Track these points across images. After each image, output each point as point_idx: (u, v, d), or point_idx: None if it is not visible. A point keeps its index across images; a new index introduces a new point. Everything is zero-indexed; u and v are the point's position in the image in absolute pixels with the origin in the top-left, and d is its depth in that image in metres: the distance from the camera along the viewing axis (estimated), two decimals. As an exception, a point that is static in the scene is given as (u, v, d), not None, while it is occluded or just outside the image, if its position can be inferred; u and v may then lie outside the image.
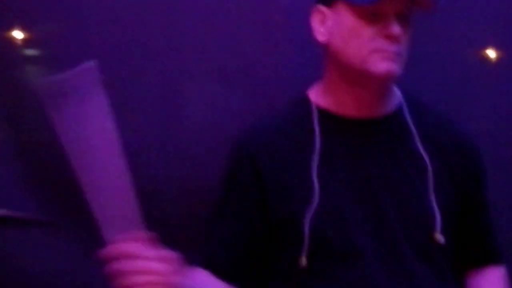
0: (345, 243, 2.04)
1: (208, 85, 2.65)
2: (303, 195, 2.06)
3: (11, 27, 2.70)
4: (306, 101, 2.21)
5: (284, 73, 2.61)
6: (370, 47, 2.07)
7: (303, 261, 2.04)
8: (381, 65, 2.06)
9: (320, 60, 2.21)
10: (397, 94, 2.22)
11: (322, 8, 2.15)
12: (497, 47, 2.75)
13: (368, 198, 2.08)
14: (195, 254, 2.05)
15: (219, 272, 2.14)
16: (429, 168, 2.12)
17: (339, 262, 2.04)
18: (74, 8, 2.64)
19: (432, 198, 2.09)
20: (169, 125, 2.63)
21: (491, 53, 2.76)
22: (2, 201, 2.58)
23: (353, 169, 2.11)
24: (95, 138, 1.67)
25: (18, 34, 2.72)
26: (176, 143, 2.63)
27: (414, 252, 2.05)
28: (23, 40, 2.72)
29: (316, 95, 2.21)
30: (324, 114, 2.17)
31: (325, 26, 2.14)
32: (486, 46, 2.75)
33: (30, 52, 2.71)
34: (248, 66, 2.63)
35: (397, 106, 2.20)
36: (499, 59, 2.76)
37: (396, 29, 2.04)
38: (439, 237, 2.08)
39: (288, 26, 2.59)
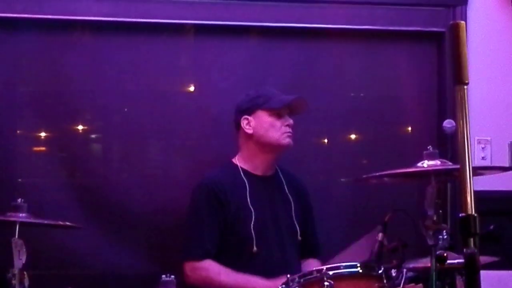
0: (267, 240, 3.32)
1: (172, 155, 3.90)
2: (247, 215, 3.32)
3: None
4: (233, 164, 3.46)
5: (215, 149, 3.80)
6: (281, 132, 3.38)
7: (255, 249, 3.28)
8: (287, 140, 3.39)
9: (237, 143, 3.47)
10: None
11: (247, 116, 3.42)
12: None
13: (273, 217, 3.39)
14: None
15: (212, 258, 3.29)
16: (292, 203, 3.44)
17: (267, 249, 3.30)
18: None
19: (294, 218, 3.42)
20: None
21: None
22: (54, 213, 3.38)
23: (264, 202, 3.39)
24: None
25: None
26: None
27: (290, 244, 3.39)
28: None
29: (239, 161, 3.46)
30: (246, 172, 3.43)
31: (250, 125, 3.42)
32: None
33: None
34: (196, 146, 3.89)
35: (275, 169, 3.51)
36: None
37: (291, 121, 3.42)
38: (299, 238, 3.42)
39: (218, 128, 3.79)
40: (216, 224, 3.32)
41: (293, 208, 3.45)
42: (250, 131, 3.42)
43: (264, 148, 3.42)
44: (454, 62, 1.76)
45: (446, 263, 1.81)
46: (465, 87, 1.76)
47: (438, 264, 1.82)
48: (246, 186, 3.39)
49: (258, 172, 3.46)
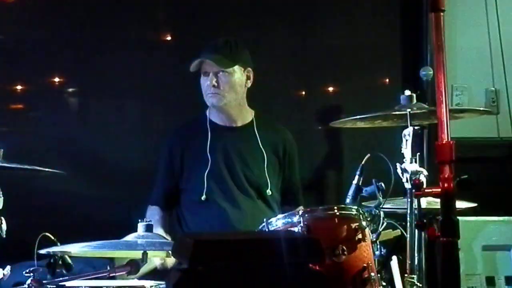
0: (220, 190, 3.32)
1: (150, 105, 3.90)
2: (203, 164, 3.31)
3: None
4: (204, 115, 3.42)
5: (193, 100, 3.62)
6: (207, 91, 3.31)
7: (204, 196, 3.29)
8: (210, 101, 3.32)
9: None
10: (250, 114, 3.45)
11: None
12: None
13: (233, 167, 3.34)
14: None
15: (160, 205, 3.43)
16: (265, 156, 3.37)
17: (218, 199, 3.30)
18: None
19: (265, 172, 3.36)
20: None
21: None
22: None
23: (225, 152, 3.35)
24: None
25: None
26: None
27: (255, 196, 3.36)
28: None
29: (209, 114, 3.41)
30: (213, 123, 3.40)
31: None
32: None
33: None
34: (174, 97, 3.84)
35: (249, 120, 3.43)
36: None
37: (212, 81, 3.29)
38: (269, 192, 3.35)
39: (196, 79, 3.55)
40: (170, 177, 3.41)
41: (265, 161, 3.38)
42: None
43: None
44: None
45: (422, 189, 1.82)
46: (442, 14, 1.76)
47: (415, 191, 1.84)
48: (208, 136, 3.37)
49: (225, 123, 3.42)
